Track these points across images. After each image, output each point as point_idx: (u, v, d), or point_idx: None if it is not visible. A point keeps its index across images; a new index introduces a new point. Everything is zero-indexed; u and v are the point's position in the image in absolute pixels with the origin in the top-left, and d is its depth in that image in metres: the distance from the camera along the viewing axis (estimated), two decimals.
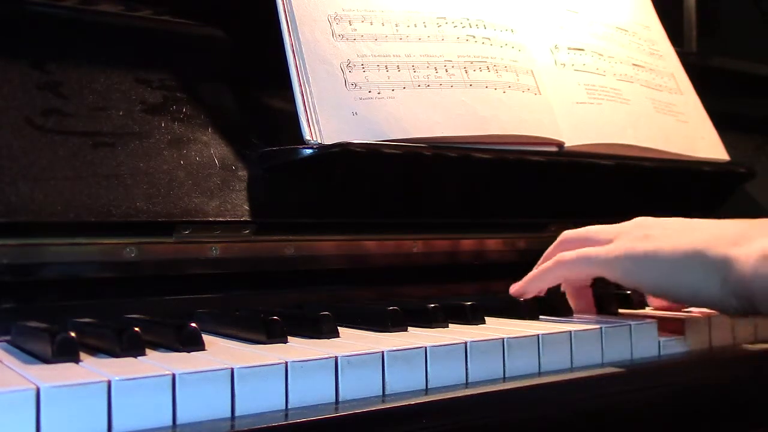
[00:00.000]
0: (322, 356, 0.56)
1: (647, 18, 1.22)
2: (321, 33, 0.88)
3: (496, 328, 0.71)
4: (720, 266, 0.68)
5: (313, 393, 0.55)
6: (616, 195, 1.08)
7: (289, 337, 0.64)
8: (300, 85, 0.85)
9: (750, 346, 0.80)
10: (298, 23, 0.87)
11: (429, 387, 0.60)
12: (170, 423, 0.50)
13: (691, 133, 1.15)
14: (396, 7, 0.94)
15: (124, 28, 0.90)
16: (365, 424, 0.54)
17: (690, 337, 0.76)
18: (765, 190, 1.28)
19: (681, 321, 0.77)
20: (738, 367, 0.78)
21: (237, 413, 0.52)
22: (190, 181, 0.81)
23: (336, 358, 0.56)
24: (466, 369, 0.62)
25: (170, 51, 0.91)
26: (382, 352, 0.58)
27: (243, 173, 0.85)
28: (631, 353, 0.72)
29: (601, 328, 0.70)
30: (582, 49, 1.08)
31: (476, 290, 0.99)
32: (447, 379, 0.61)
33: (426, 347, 0.60)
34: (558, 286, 0.84)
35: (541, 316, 0.78)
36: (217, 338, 0.68)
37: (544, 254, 0.84)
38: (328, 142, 0.83)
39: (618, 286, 0.80)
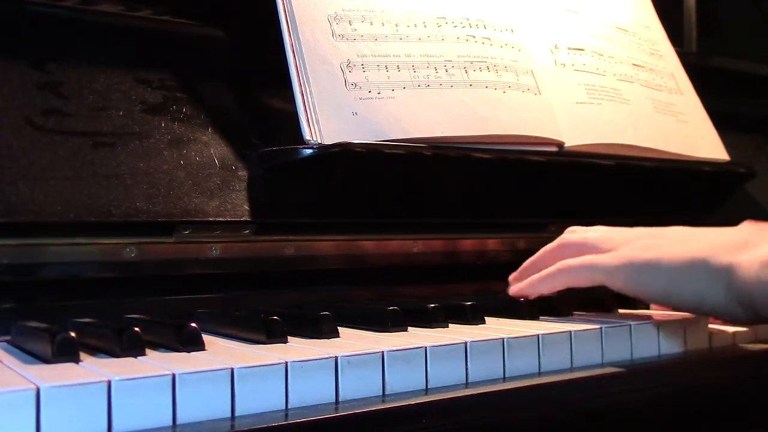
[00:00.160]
0: (322, 356, 0.56)
1: (647, 18, 1.22)
2: (321, 33, 0.88)
3: (496, 328, 0.71)
4: (724, 273, 0.68)
5: (313, 393, 0.55)
6: (616, 195, 1.08)
7: (289, 337, 0.64)
8: (300, 85, 0.85)
9: (750, 346, 0.81)
10: (298, 23, 0.87)
11: (429, 387, 0.60)
12: (170, 423, 0.50)
13: (691, 133, 1.15)
14: (396, 7, 0.94)
15: (124, 28, 0.90)
16: (365, 424, 0.54)
17: (690, 337, 0.76)
18: (765, 190, 1.28)
19: (681, 321, 0.77)
20: (738, 367, 0.78)
21: (237, 413, 0.52)
22: (190, 181, 0.81)
23: (336, 358, 0.56)
24: (466, 369, 0.62)
25: (170, 51, 0.91)
26: (382, 352, 0.58)
27: (243, 173, 0.85)
28: (631, 353, 0.72)
29: (601, 328, 0.70)
30: (582, 49, 1.08)
31: (476, 290, 0.99)
32: (447, 379, 0.61)
33: (426, 347, 0.60)
34: None
35: (541, 316, 0.78)
36: (217, 338, 0.68)
37: (542, 251, 0.84)
38: (328, 142, 0.83)
39: None
